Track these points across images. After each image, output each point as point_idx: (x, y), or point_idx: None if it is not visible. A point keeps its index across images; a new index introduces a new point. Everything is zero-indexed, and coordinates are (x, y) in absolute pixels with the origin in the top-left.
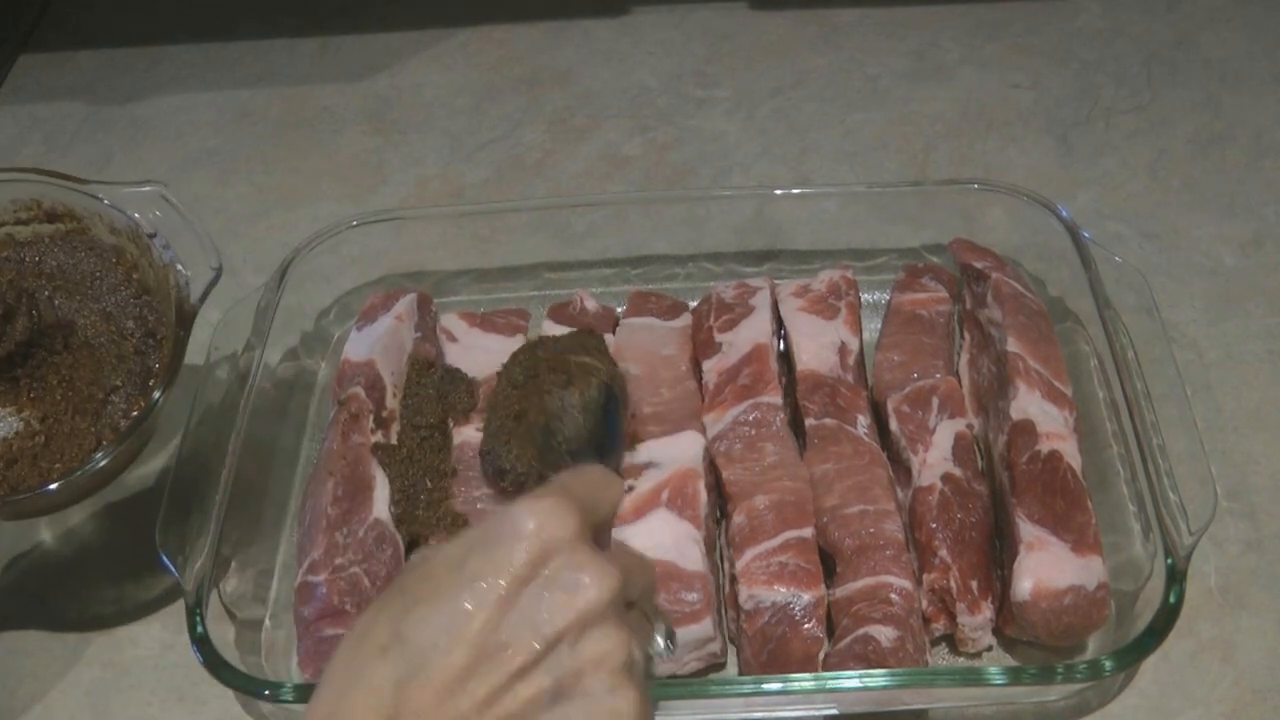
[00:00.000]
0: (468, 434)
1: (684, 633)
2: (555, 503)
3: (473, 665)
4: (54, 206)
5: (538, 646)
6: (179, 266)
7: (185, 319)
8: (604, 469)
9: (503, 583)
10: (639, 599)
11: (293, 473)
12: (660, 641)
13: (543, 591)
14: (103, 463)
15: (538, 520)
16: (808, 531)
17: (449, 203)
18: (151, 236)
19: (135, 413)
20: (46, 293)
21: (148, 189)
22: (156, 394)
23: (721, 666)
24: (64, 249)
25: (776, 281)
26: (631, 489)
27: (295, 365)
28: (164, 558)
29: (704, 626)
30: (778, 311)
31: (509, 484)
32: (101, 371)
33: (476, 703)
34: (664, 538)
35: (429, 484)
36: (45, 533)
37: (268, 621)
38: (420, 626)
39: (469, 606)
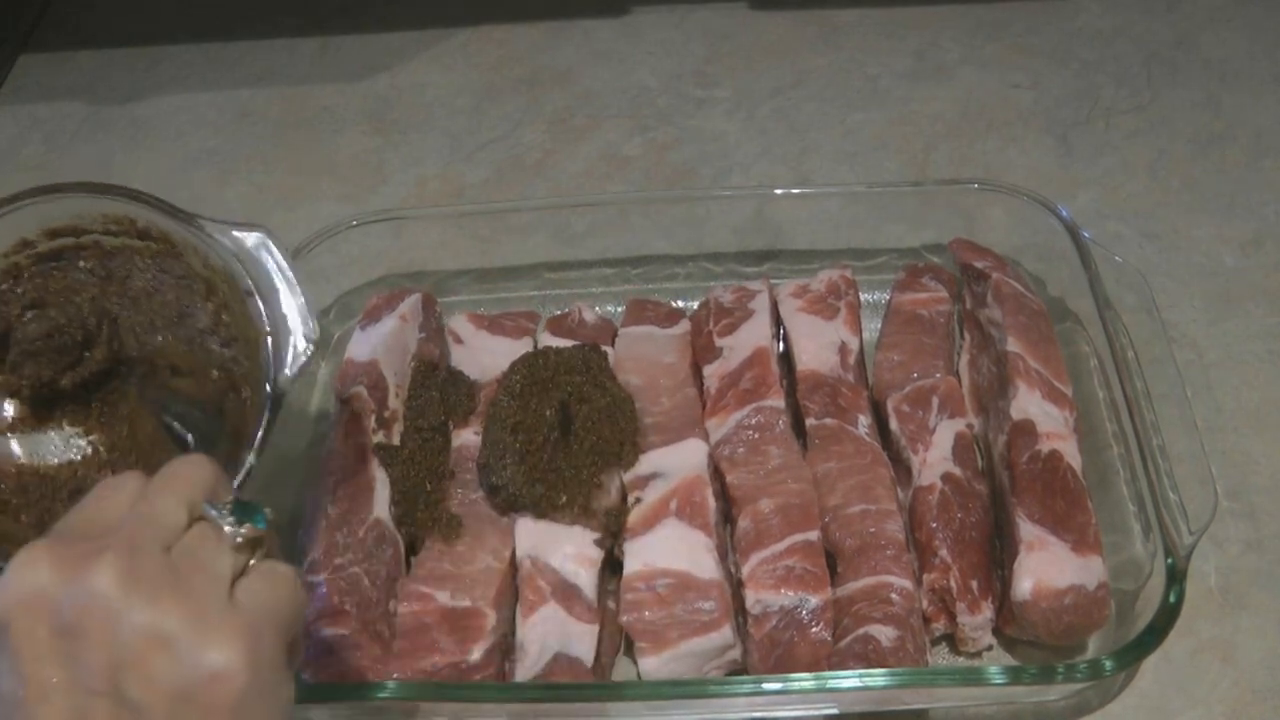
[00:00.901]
0: (466, 437)
1: (704, 642)
2: (18, 564)
3: None
4: (149, 227)
5: (102, 689)
6: (271, 340)
7: (277, 395)
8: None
9: (32, 670)
10: (194, 503)
11: (293, 472)
12: (247, 526)
13: (65, 643)
14: None
15: (9, 590)
16: (813, 534)
17: (449, 203)
18: (249, 294)
19: None
20: (131, 321)
21: (252, 235)
22: (251, 459)
23: (742, 672)
24: (153, 269)
25: (775, 282)
26: (639, 501)
27: None
28: None
29: (723, 634)
30: (777, 313)
31: (501, 500)
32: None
33: None
34: (676, 547)
35: (429, 485)
36: None
37: None
38: None
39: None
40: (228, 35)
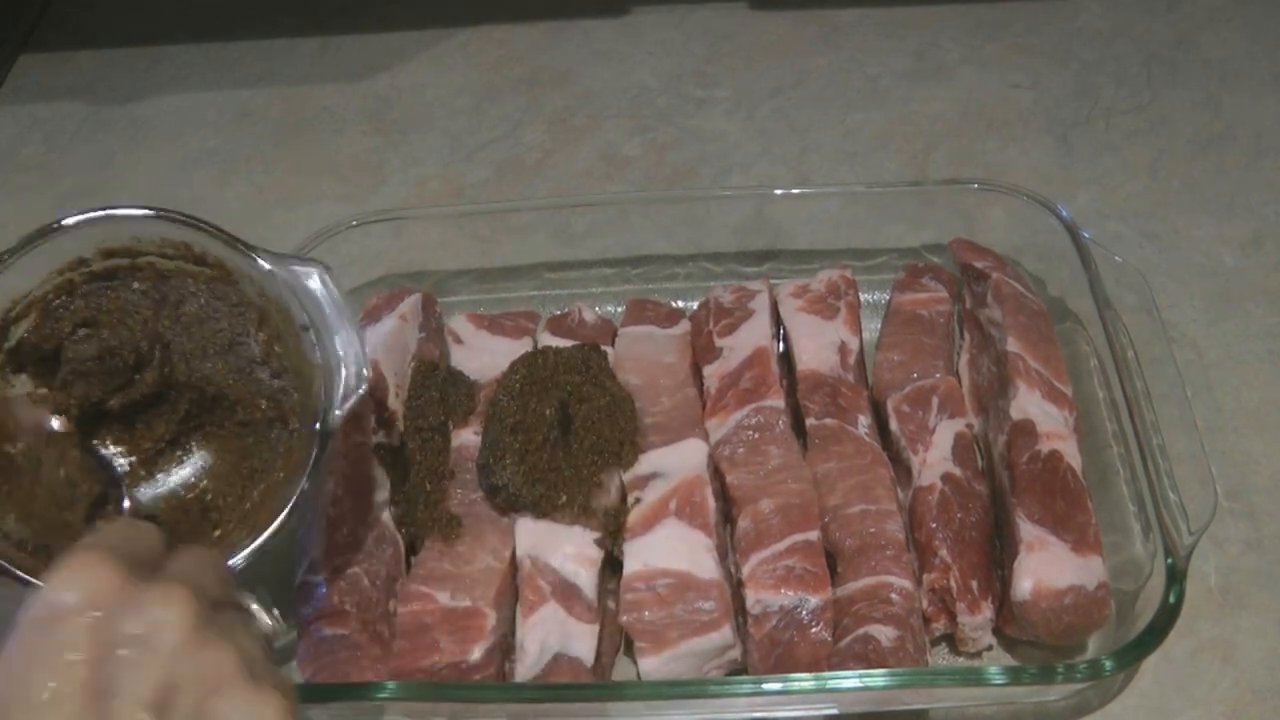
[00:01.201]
0: (465, 437)
1: (704, 642)
2: (82, 562)
3: None
4: (205, 254)
5: (147, 714)
6: (324, 375)
7: (327, 432)
8: (128, 522)
9: (73, 677)
10: (221, 593)
11: None
12: (267, 621)
13: (123, 656)
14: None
15: (76, 588)
16: (813, 534)
17: (449, 203)
18: (305, 329)
19: (248, 504)
20: (182, 347)
21: (312, 269)
22: (300, 489)
23: (742, 672)
24: (206, 295)
25: (775, 282)
26: (639, 501)
27: None
28: None
29: (723, 634)
30: (776, 313)
31: (501, 500)
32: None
33: None
34: (676, 548)
35: (429, 486)
36: None
37: None
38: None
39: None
40: (228, 35)
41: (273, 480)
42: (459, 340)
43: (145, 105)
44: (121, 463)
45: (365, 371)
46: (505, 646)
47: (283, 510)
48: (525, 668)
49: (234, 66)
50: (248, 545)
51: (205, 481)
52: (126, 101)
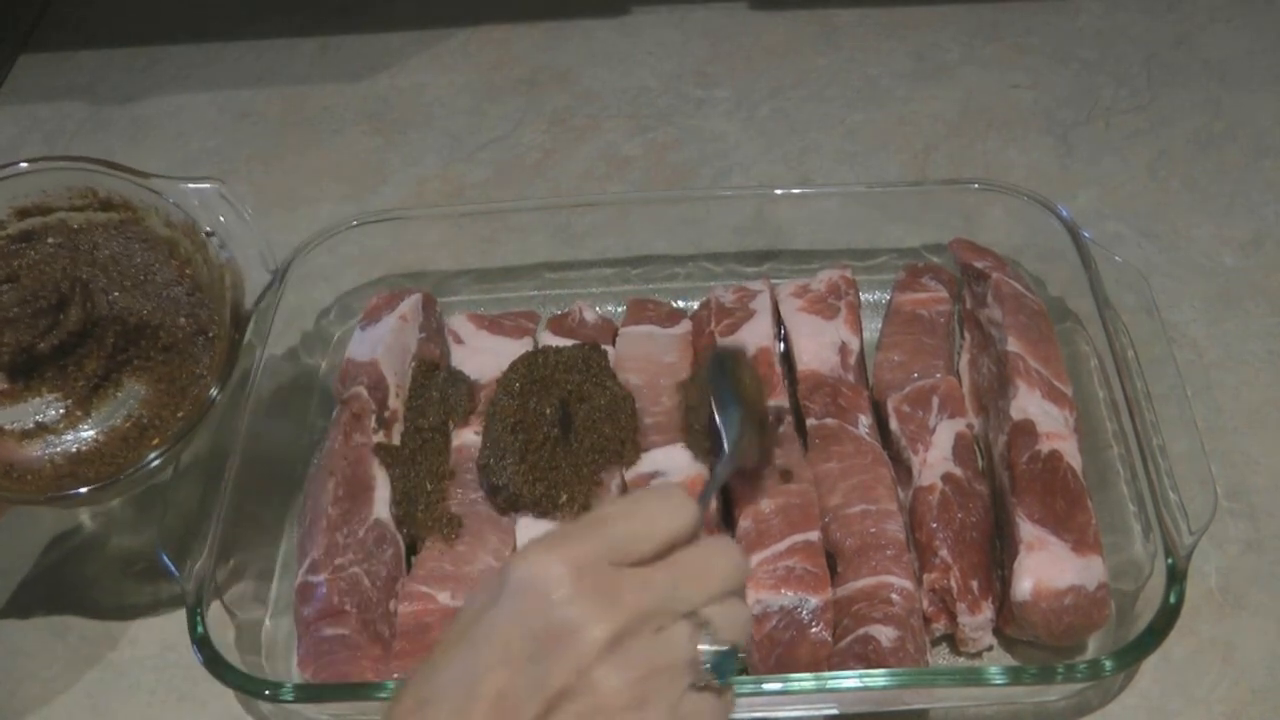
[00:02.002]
0: (466, 437)
1: None
2: (542, 553)
3: None
4: (110, 196)
5: (542, 705)
6: (230, 273)
7: (240, 321)
8: (669, 489)
9: (505, 643)
10: (701, 603)
11: (293, 472)
12: (711, 652)
13: (543, 645)
14: (155, 462)
15: (523, 574)
16: (814, 535)
17: (449, 203)
18: (209, 235)
19: (181, 414)
20: (101, 284)
21: (207, 186)
22: (214, 392)
23: (740, 672)
24: (118, 238)
25: (775, 282)
26: None
27: (295, 365)
28: (164, 558)
29: None
30: (778, 313)
31: (502, 500)
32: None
33: None
34: None
35: (429, 486)
36: (47, 533)
37: (268, 621)
38: (439, 695)
39: (478, 670)
40: (228, 35)
41: (202, 387)
42: (459, 340)
43: (145, 105)
44: (58, 408)
45: (270, 261)
46: None
47: (204, 412)
48: None
49: (234, 66)
50: (176, 448)
51: (139, 409)
52: (126, 101)
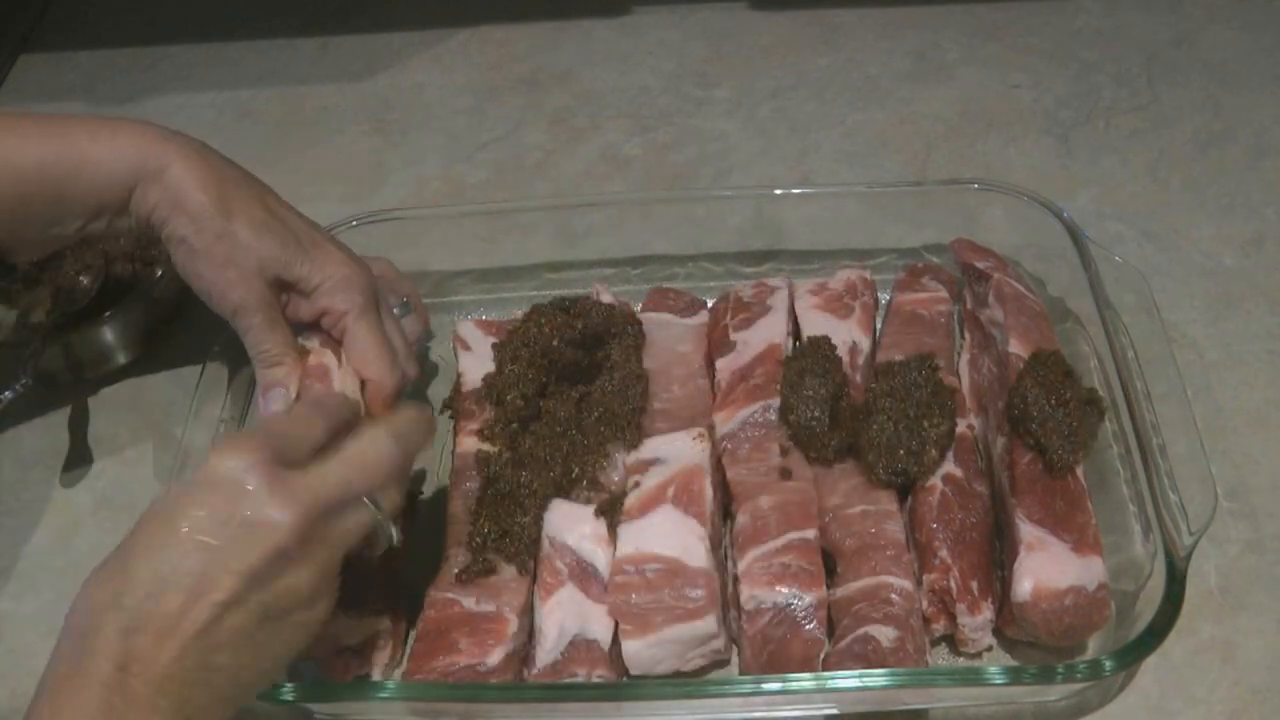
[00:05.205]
0: (468, 444)
1: (687, 629)
2: (234, 447)
3: (183, 607)
4: None
5: (236, 584)
6: None
7: None
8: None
9: (198, 531)
10: (366, 491)
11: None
12: (392, 534)
13: (235, 532)
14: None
15: (216, 468)
16: (810, 532)
17: (449, 203)
18: None
19: None
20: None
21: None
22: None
23: (725, 664)
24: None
25: (796, 281)
26: (638, 485)
27: None
28: None
29: (706, 623)
30: (795, 311)
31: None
32: None
33: (189, 638)
34: (669, 534)
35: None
36: (46, 531)
37: None
38: (134, 581)
39: (174, 556)
40: (228, 35)
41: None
42: (466, 347)
43: (145, 105)
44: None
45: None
46: (524, 655)
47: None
48: (545, 652)
49: (234, 66)
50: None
51: None
52: (126, 101)
